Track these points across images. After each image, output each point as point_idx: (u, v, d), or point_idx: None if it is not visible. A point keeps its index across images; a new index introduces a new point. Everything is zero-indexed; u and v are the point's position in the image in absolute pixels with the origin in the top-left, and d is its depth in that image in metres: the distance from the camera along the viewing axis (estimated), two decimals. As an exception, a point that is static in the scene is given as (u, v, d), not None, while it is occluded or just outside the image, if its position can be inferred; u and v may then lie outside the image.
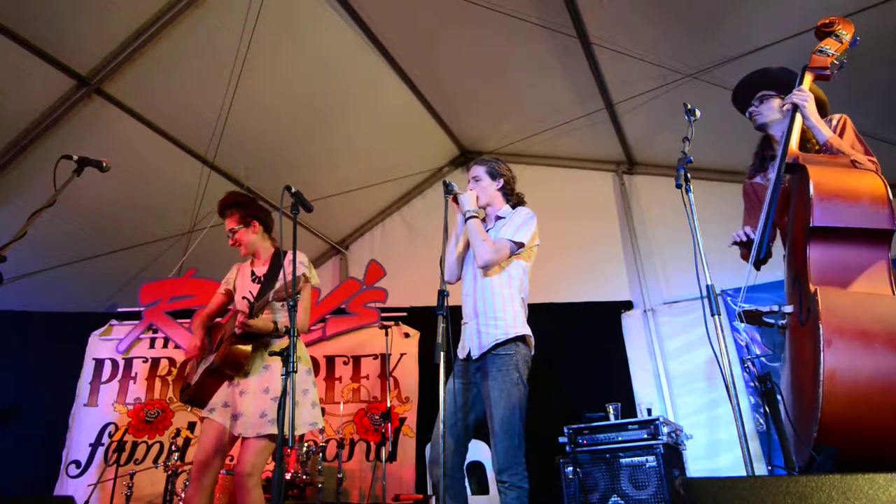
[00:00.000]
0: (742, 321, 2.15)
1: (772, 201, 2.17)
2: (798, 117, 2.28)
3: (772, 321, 2.17)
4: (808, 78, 2.34)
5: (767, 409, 1.95)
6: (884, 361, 1.78)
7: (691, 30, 4.29)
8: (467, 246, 2.87)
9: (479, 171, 2.97)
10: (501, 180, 2.95)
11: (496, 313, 2.66)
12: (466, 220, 2.80)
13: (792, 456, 1.96)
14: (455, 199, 2.87)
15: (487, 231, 2.83)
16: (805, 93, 2.30)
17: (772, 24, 3.93)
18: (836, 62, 2.31)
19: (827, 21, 2.36)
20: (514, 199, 2.97)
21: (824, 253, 1.99)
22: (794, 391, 2.11)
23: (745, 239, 2.46)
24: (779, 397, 2.14)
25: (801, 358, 2.06)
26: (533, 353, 2.73)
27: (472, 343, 2.71)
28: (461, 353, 2.76)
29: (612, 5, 4.24)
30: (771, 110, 2.49)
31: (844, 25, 2.34)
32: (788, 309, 2.13)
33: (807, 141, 2.35)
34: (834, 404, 1.75)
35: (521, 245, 2.74)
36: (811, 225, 1.98)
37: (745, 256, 2.45)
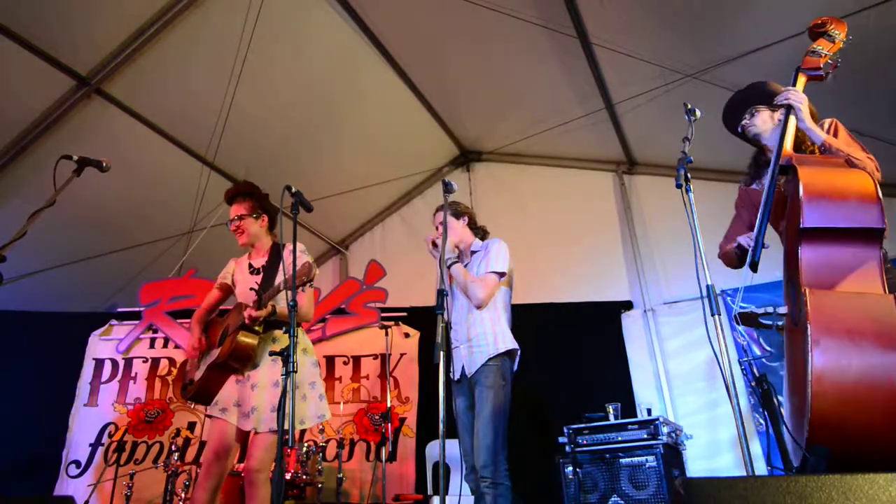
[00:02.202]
0: (739, 323, 2.15)
1: (766, 204, 2.17)
2: (792, 119, 2.28)
3: (768, 322, 2.19)
4: (802, 79, 2.34)
5: (765, 410, 1.96)
6: (871, 360, 1.78)
7: (691, 30, 4.28)
8: (451, 279, 3.11)
9: (443, 216, 3.08)
10: (466, 217, 3.24)
11: (486, 336, 2.95)
12: (449, 267, 3.03)
13: (790, 457, 1.96)
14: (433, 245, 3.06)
15: (466, 266, 3.14)
16: (799, 94, 2.30)
17: (772, 24, 3.93)
18: (830, 62, 2.30)
19: (819, 22, 2.37)
20: (480, 231, 3.28)
21: (816, 254, 2.00)
22: (790, 391, 2.13)
23: (746, 247, 2.44)
24: (778, 398, 2.15)
25: (794, 358, 2.07)
26: (516, 368, 3.01)
27: (464, 363, 2.97)
28: (454, 376, 2.99)
29: (612, 5, 4.24)
30: (763, 121, 2.50)
31: (837, 25, 2.34)
32: (783, 310, 2.15)
33: (801, 143, 2.35)
34: (822, 404, 1.76)
35: (503, 274, 3.05)
36: (801, 226, 1.99)
37: (730, 264, 2.50)
